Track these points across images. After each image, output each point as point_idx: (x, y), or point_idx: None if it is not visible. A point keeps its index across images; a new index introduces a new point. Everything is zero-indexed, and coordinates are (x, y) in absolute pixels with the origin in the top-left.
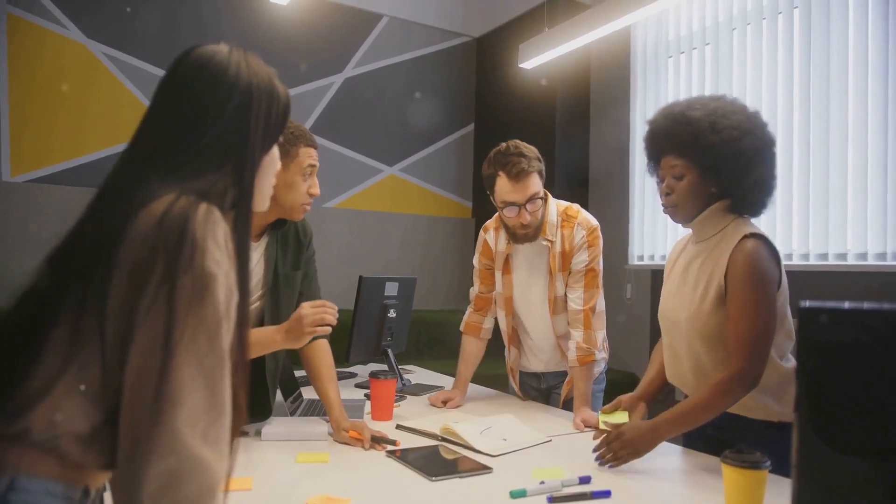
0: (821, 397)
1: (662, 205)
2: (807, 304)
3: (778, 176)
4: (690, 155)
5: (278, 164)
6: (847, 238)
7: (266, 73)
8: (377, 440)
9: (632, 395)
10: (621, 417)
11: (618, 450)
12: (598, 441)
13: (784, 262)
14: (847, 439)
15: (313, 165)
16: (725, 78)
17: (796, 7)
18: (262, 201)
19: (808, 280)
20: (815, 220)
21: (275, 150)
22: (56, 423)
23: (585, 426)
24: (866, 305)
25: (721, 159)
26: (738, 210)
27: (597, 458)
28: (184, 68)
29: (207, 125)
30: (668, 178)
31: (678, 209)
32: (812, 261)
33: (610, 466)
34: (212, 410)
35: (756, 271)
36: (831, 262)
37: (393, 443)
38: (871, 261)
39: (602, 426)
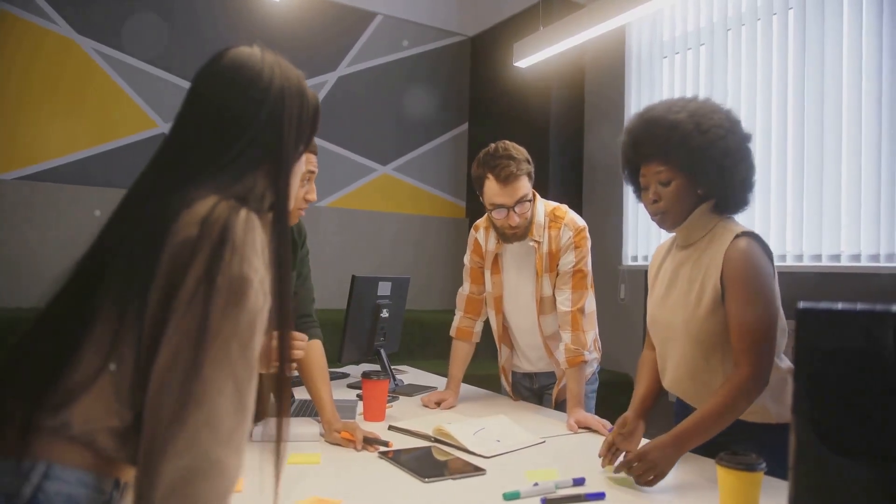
0: (818, 399)
1: (650, 213)
2: (802, 305)
3: (773, 177)
4: (677, 158)
5: (303, 167)
6: (841, 239)
7: (296, 75)
8: (369, 441)
9: (634, 416)
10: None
11: (641, 473)
12: (604, 453)
13: (778, 263)
14: (844, 441)
15: (312, 172)
16: (720, 79)
17: (791, 8)
18: (291, 202)
19: (801, 281)
20: (808, 222)
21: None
22: (93, 418)
23: (579, 427)
24: (860, 307)
25: (709, 160)
26: (723, 210)
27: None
28: (217, 71)
29: (242, 129)
30: (653, 184)
31: (667, 216)
32: (806, 262)
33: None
34: (237, 414)
35: (754, 268)
36: (825, 263)
37: (385, 444)
38: (864, 262)
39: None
